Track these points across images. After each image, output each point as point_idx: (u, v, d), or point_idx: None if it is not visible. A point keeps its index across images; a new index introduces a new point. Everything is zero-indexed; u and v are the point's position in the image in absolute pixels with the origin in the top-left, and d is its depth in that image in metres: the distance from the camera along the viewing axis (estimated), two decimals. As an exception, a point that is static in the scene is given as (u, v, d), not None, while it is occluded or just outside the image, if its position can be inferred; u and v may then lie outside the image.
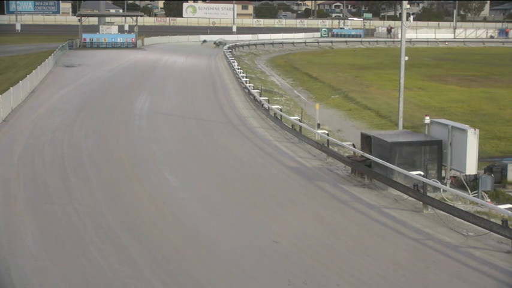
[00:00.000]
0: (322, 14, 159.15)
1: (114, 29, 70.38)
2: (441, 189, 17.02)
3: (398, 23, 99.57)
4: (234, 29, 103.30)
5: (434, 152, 18.20)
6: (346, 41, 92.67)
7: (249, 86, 36.16)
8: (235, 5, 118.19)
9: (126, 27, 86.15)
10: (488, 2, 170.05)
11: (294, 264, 12.66)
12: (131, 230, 14.40)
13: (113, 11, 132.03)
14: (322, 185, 18.47)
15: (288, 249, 13.40)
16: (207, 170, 19.93)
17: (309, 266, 12.63)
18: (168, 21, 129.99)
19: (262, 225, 14.84)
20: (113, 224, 14.73)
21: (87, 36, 67.96)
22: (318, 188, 18.10)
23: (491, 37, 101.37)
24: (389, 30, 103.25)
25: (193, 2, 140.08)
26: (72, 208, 15.79)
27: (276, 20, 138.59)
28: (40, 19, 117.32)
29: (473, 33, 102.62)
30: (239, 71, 43.88)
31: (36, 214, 15.35)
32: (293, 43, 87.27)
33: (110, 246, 13.41)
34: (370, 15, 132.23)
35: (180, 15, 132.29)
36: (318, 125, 26.14)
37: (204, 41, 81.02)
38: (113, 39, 68.51)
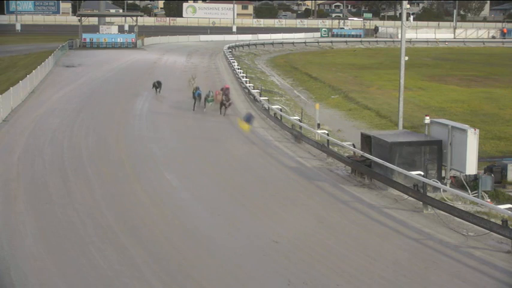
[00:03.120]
0: (322, 14, 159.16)
1: (114, 29, 70.35)
2: (441, 189, 17.02)
3: (398, 23, 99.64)
4: (234, 29, 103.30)
5: (434, 152, 18.21)
6: (346, 41, 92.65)
7: (249, 86, 36.15)
8: (235, 5, 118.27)
9: (126, 27, 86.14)
10: (488, 2, 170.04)
11: (294, 264, 12.66)
12: (131, 230, 14.39)
13: (112, 11, 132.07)
14: (322, 185, 18.47)
15: (288, 249, 13.40)
16: (207, 170, 19.93)
17: (309, 266, 12.62)
18: (168, 21, 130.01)
19: (262, 225, 14.84)
20: (113, 223, 14.73)
21: (87, 36, 67.96)
22: (318, 188, 18.10)
23: (493, 37, 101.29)
24: (376, 30, 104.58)
25: (193, 2, 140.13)
26: (72, 208, 15.79)
27: (276, 20, 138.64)
28: (40, 19, 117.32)
29: (475, 33, 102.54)
30: (239, 71, 43.88)
31: (36, 214, 15.35)
32: (293, 43, 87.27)
33: (110, 246, 13.40)
34: (370, 15, 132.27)
35: (180, 15, 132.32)
36: (318, 125, 26.15)
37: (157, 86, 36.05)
38: (113, 39, 68.49)
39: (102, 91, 37.04)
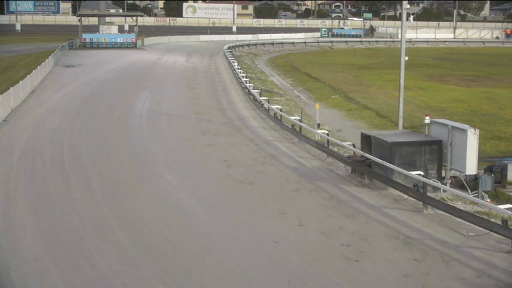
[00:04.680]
0: (322, 14, 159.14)
1: (114, 29, 70.33)
2: (441, 189, 17.02)
3: (398, 23, 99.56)
4: (234, 29, 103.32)
5: (435, 152, 18.20)
6: (346, 41, 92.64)
7: (249, 86, 36.16)
8: (235, 5, 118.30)
9: (126, 27, 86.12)
10: (488, 2, 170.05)
11: (294, 264, 12.67)
12: (131, 229, 14.39)
13: (112, 11, 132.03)
14: (322, 185, 18.46)
15: (288, 249, 13.41)
16: (207, 170, 19.94)
17: (309, 266, 12.63)
18: (168, 21, 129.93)
19: (262, 225, 14.85)
20: (113, 224, 14.73)
21: (87, 36, 67.92)
22: (318, 188, 18.09)
23: (497, 38, 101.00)
24: (371, 30, 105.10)
25: (193, 2, 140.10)
26: (72, 208, 15.79)
27: (276, 20, 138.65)
28: (40, 19, 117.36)
29: (477, 33, 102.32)
30: (239, 71, 43.87)
31: (36, 214, 15.35)
32: (293, 43, 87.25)
33: (110, 246, 13.40)
34: (370, 15, 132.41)
35: (180, 15, 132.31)
36: (318, 125, 26.14)
37: None
38: (113, 39, 68.44)
39: (102, 91, 37.03)
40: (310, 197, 17.29)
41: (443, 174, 18.40)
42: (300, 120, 25.62)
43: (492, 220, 14.57)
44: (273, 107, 29.00)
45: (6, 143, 22.97)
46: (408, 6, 23.74)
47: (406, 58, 23.35)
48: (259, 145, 23.60)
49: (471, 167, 17.71)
